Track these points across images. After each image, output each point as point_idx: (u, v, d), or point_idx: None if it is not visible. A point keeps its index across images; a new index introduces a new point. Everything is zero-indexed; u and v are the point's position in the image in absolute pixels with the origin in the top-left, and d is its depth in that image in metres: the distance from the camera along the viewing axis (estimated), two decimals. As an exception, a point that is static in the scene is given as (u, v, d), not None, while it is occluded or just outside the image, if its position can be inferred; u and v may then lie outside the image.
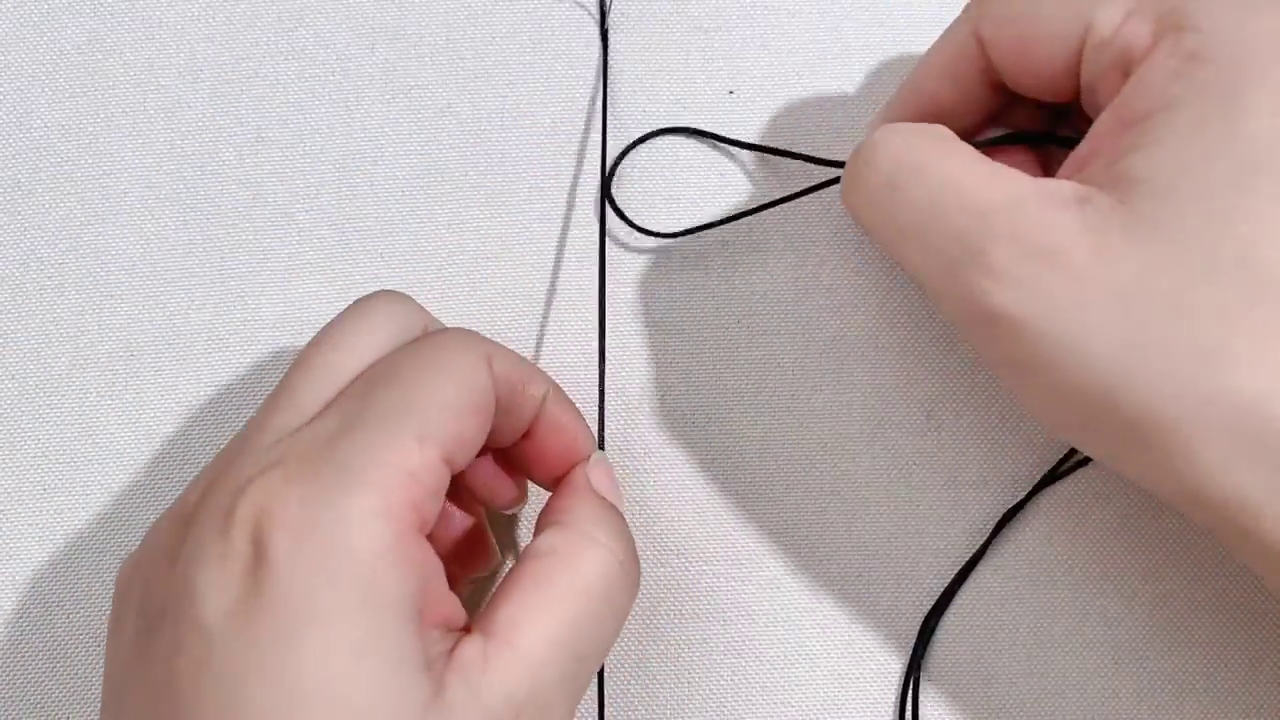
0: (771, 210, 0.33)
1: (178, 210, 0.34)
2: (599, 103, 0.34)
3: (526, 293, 0.33)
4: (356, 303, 0.27)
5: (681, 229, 0.33)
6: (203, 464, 0.33)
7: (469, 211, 0.34)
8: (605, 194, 0.33)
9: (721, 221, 0.32)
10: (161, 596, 0.24)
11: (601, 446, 0.31)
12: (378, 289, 0.28)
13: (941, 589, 0.32)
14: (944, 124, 0.27)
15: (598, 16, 0.34)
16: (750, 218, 0.33)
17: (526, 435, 0.28)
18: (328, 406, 0.25)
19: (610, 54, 0.34)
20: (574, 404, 0.29)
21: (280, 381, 0.26)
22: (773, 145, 0.33)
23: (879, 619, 0.32)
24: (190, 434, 0.33)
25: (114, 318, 0.34)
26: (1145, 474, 0.24)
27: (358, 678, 0.22)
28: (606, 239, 0.33)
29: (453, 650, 0.24)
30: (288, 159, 0.34)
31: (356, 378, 0.26)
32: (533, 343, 0.33)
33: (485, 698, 0.23)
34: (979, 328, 0.25)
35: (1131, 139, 0.24)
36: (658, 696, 0.32)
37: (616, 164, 0.33)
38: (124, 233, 0.34)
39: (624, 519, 0.27)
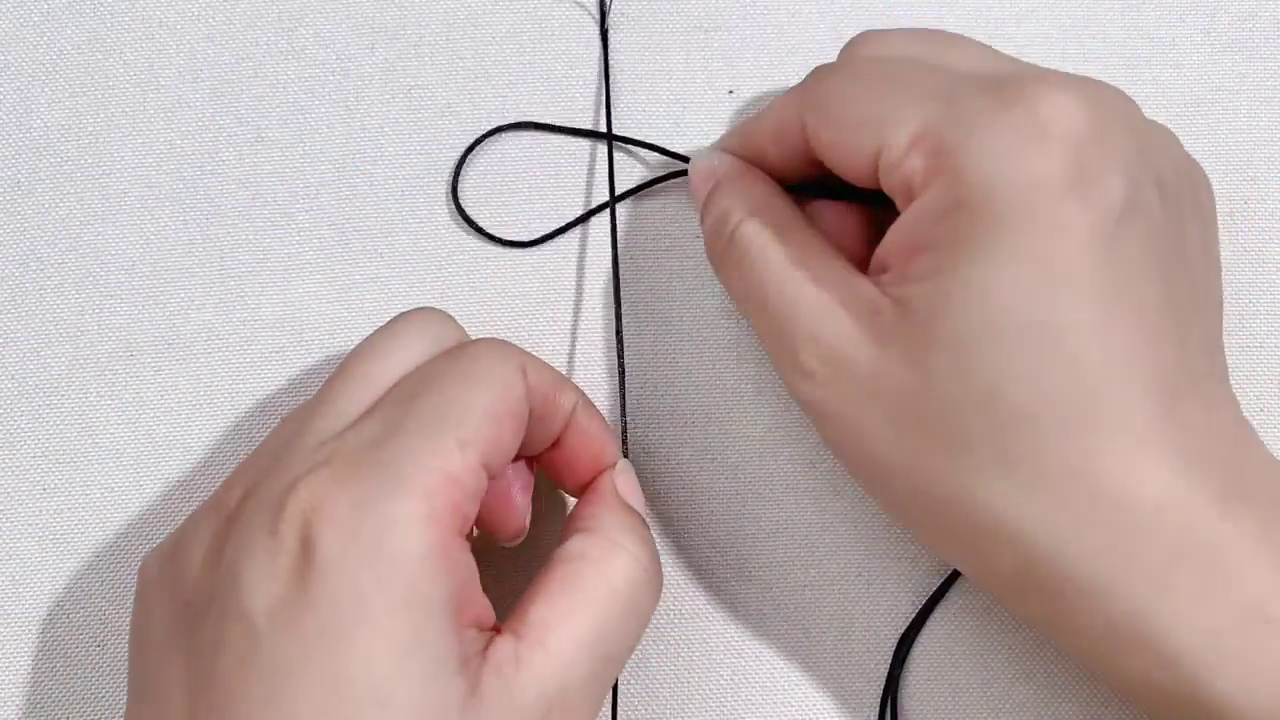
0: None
1: (178, 210, 0.34)
2: (600, 103, 0.34)
3: (526, 293, 0.33)
4: (397, 316, 0.28)
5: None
6: (203, 464, 0.33)
7: (468, 211, 0.34)
8: (612, 196, 0.33)
9: (577, 221, 0.33)
10: (202, 591, 0.25)
11: (626, 454, 0.31)
12: (420, 306, 0.29)
13: (934, 592, 0.32)
14: (769, 172, 0.30)
15: (598, 16, 0.34)
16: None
17: (555, 443, 0.29)
18: (369, 411, 0.26)
19: (610, 54, 0.34)
20: (600, 412, 0.30)
21: (321, 387, 0.27)
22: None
23: (880, 616, 0.32)
24: (190, 434, 0.33)
25: (114, 318, 0.34)
26: (952, 561, 0.27)
27: (401, 677, 0.23)
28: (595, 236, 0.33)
29: (486, 650, 0.24)
30: (288, 159, 0.34)
31: (395, 384, 0.26)
32: (533, 343, 0.33)
33: (518, 696, 0.24)
34: (802, 407, 0.28)
35: (909, 268, 0.25)
36: (658, 696, 0.32)
37: (463, 159, 0.34)
38: (124, 233, 0.34)
39: (647, 525, 0.28)
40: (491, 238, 0.33)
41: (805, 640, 0.32)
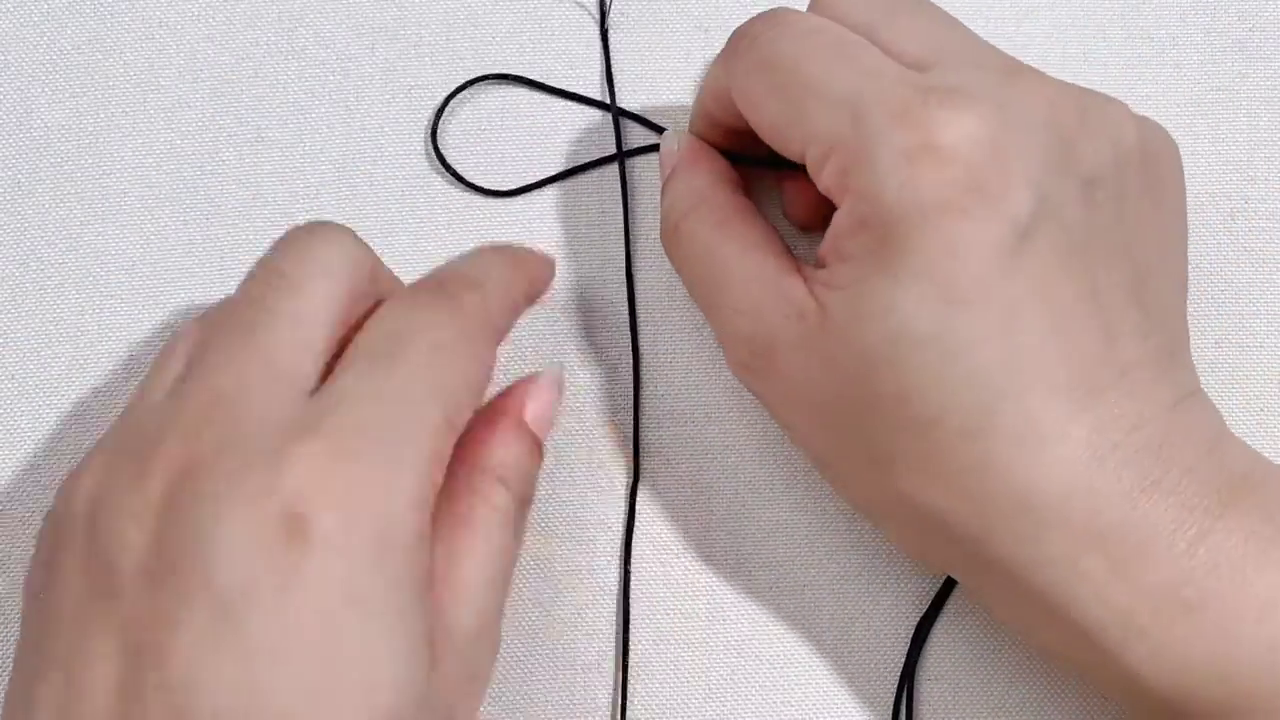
0: (773, 209, 0.33)
1: (178, 210, 0.34)
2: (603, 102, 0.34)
3: (526, 293, 0.34)
4: (299, 233, 0.27)
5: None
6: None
7: (469, 211, 0.34)
8: (624, 194, 0.33)
9: (575, 170, 0.34)
10: (141, 559, 0.23)
11: (636, 457, 0.32)
12: (315, 220, 0.28)
13: (940, 587, 0.32)
14: (732, 136, 0.30)
15: (598, 16, 0.34)
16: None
17: None
18: (343, 369, 0.25)
19: (610, 54, 0.34)
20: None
21: (228, 315, 0.26)
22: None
23: (880, 617, 0.32)
24: (190, 434, 0.33)
25: (114, 318, 0.34)
26: (896, 542, 0.30)
27: (389, 656, 0.23)
28: (600, 235, 0.33)
29: None
30: (288, 159, 0.34)
31: (362, 333, 0.26)
32: (532, 343, 0.33)
33: (448, 637, 0.25)
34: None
35: (834, 273, 0.26)
36: (657, 696, 0.32)
37: (442, 108, 0.34)
38: (124, 233, 0.34)
39: (537, 448, 0.28)
40: (479, 189, 0.33)
41: (805, 640, 0.32)
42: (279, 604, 0.22)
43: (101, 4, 0.35)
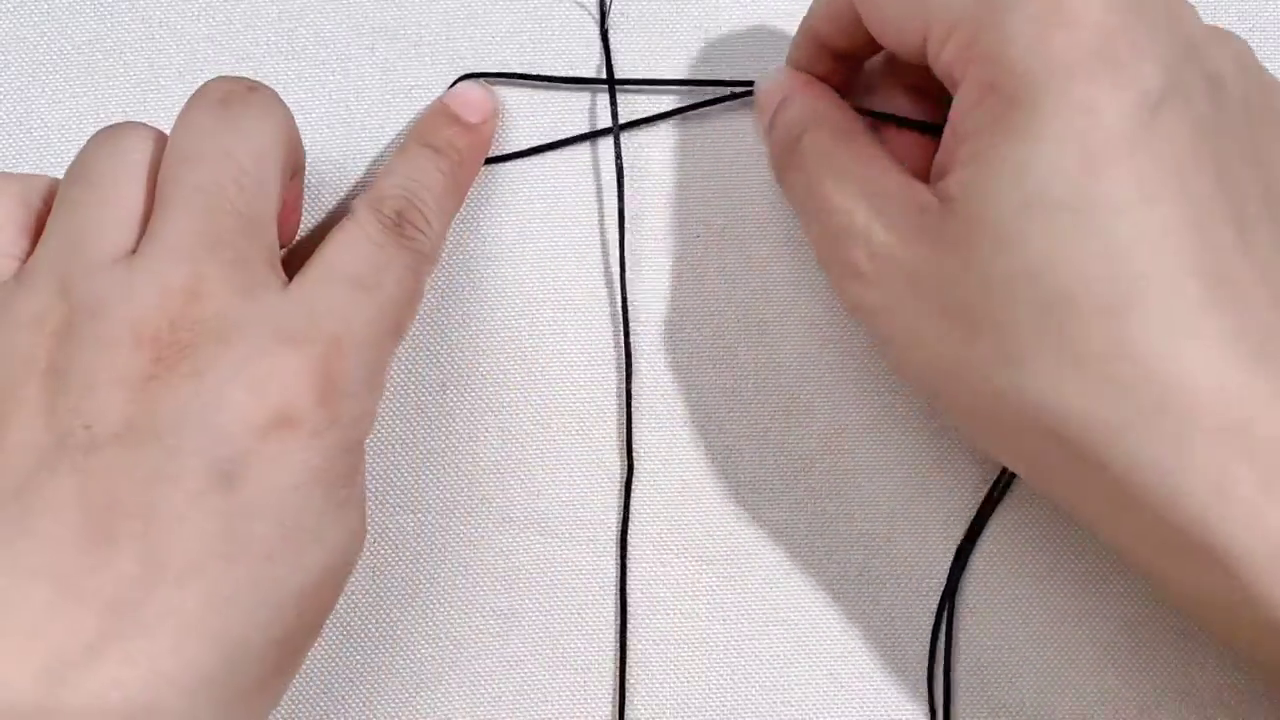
0: (775, 208, 0.33)
1: (178, 210, 0.34)
2: (603, 103, 0.34)
3: (527, 293, 0.34)
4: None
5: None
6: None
7: (468, 211, 0.34)
8: (620, 190, 0.33)
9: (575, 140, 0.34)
10: (124, 416, 0.25)
11: (630, 455, 0.32)
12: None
13: (942, 585, 0.32)
14: (836, 62, 0.30)
15: (598, 16, 0.34)
16: (751, 213, 0.33)
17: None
18: (313, 279, 0.28)
19: (610, 54, 0.34)
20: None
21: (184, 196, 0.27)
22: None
23: (879, 616, 0.32)
24: (191, 434, 0.33)
25: (114, 318, 0.34)
26: (1008, 461, 0.27)
27: (340, 529, 0.27)
28: (603, 238, 0.33)
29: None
30: (288, 159, 0.34)
31: (328, 253, 0.28)
32: (532, 343, 0.33)
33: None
34: (852, 313, 0.28)
35: (953, 158, 0.25)
36: (657, 695, 0.32)
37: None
38: (124, 233, 0.34)
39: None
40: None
41: (805, 640, 0.32)
42: (265, 479, 0.25)
43: (101, 4, 0.35)
